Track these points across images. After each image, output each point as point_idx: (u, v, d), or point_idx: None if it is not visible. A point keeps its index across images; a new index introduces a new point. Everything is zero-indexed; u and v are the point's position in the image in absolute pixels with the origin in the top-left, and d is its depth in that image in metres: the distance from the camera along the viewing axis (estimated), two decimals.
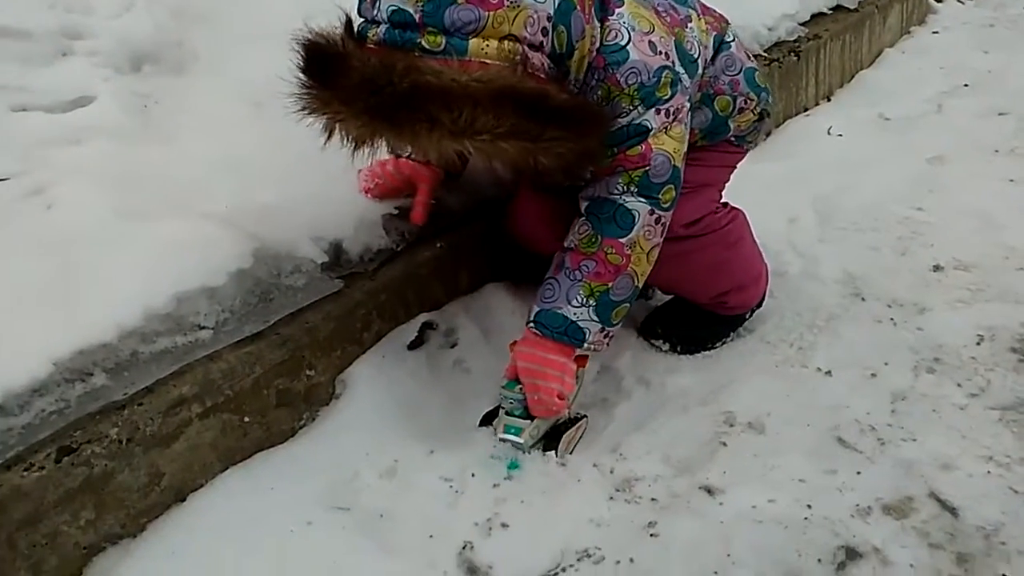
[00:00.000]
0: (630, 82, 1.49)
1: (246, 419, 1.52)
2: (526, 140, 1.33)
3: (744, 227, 1.89)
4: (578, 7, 1.41)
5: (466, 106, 1.27)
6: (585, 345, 1.58)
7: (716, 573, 1.38)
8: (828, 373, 1.82)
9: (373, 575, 1.36)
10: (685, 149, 1.59)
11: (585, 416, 1.68)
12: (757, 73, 1.82)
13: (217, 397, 1.46)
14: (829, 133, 3.18)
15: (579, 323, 1.55)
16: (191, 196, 1.68)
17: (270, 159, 1.36)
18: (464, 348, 1.82)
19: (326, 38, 1.34)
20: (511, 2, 1.30)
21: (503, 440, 1.58)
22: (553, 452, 1.58)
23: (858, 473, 1.56)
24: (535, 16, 1.33)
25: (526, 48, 1.33)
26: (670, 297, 1.98)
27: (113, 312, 1.43)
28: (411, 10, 1.29)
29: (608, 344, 1.63)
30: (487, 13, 1.29)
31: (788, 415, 1.66)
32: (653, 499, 1.53)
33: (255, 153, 1.34)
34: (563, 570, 1.40)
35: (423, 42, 1.29)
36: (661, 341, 1.93)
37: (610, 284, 1.55)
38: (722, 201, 1.89)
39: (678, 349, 1.92)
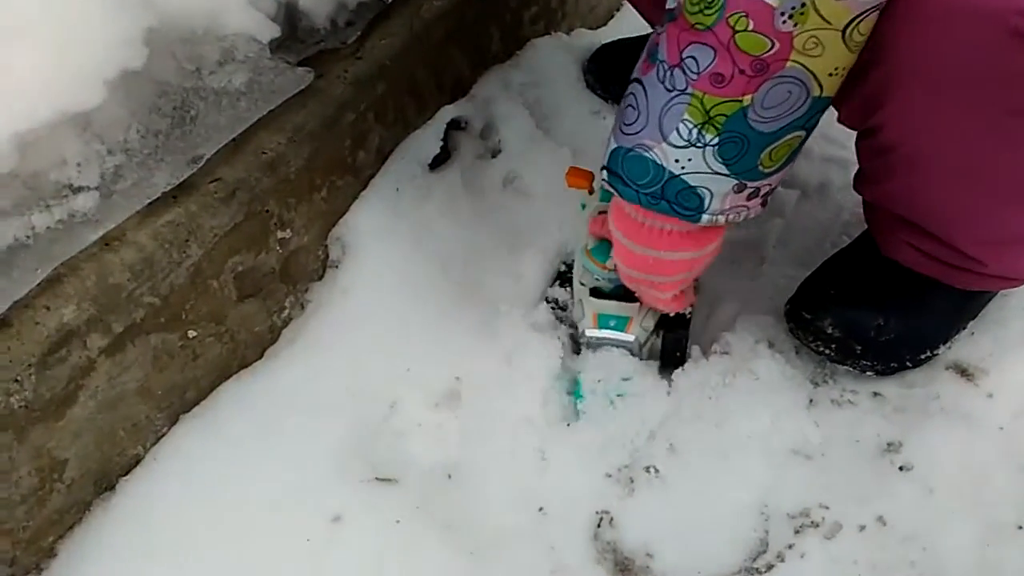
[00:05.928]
0: None
1: (190, 334, 0.91)
2: None
3: None
4: None
5: None
6: (705, 218, 0.82)
7: None
8: None
9: None
10: None
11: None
12: None
13: (134, 313, 0.83)
14: None
15: (683, 177, 0.79)
16: None
17: None
18: (513, 153, 1.16)
19: None
20: None
21: (595, 340, 0.97)
22: (680, 368, 0.98)
23: None
24: None
25: None
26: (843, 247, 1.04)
27: None
28: None
29: (763, 207, 0.85)
30: None
31: None
32: None
33: None
34: None
35: None
36: (820, 343, 0.98)
37: (746, 99, 0.74)
38: None
39: (861, 361, 0.98)
